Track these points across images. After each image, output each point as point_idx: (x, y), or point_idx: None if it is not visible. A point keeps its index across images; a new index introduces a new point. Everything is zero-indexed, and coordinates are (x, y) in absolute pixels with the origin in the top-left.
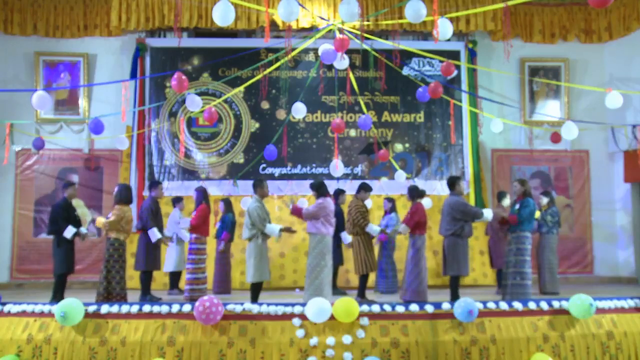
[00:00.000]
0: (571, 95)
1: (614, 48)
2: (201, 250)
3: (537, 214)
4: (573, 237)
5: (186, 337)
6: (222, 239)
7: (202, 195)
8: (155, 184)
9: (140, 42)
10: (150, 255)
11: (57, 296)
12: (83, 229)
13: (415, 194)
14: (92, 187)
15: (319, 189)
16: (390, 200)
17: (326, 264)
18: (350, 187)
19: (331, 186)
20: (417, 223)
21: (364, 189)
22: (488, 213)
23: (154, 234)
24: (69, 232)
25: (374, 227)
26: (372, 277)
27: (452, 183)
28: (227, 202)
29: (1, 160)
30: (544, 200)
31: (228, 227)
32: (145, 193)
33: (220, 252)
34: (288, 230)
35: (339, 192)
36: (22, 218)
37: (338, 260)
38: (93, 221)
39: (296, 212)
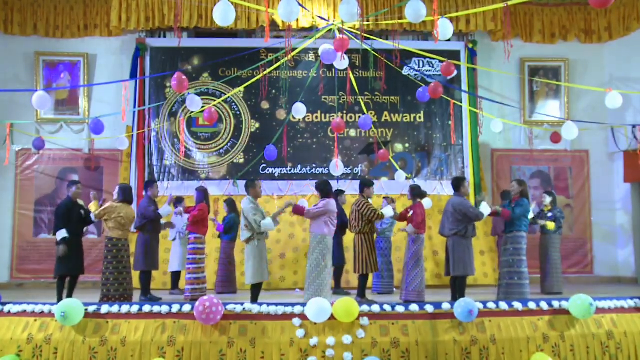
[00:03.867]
0: (571, 95)
1: (614, 48)
2: (200, 250)
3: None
4: (573, 237)
5: (186, 337)
6: (218, 228)
7: (203, 196)
8: (150, 183)
9: (140, 42)
10: (148, 256)
11: (58, 298)
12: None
13: (417, 193)
14: (92, 187)
15: (324, 190)
16: (389, 199)
17: (326, 265)
18: (351, 187)
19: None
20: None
21: (367, 185)
22: (485, 208)
23: (61, 234)
24: (60, 234)
25: (386, 211)
26: (371, 278)
27: (457, 184)
28: (231, 203)
29: (1, 160)
30: (547, 200)
31: (230, 225)
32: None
33: (224, 252)
34: (281, 213)
35: (339, 192)
36: (22, 218)
37: (341, 260)
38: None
39: (298, 211)
